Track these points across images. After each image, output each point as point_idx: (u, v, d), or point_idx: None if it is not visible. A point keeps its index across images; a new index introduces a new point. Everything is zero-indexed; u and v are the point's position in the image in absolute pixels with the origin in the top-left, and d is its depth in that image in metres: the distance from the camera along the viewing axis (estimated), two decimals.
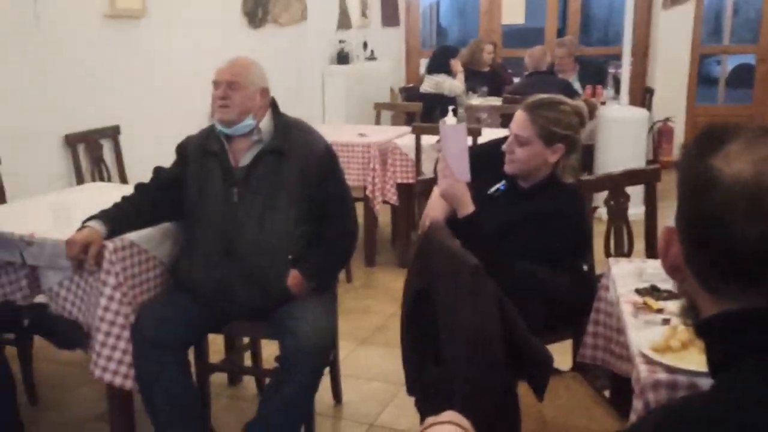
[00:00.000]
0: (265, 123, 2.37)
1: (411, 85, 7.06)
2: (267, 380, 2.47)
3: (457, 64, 5.77)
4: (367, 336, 3.43)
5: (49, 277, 2.34)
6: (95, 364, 2.23)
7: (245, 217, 2.29)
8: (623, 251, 2.71)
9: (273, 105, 2.43)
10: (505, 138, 2.26)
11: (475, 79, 6.13)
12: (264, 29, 5.43)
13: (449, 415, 0.99)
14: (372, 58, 6.98)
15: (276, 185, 2.30)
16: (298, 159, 2.32)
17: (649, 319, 1.72)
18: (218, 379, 2.85)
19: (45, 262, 2.30)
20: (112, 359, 2.22)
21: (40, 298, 2.42)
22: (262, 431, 2.24)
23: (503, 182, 2.28)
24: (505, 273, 1.87)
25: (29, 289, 2.41)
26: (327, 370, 2.67)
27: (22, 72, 3.53)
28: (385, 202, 4.29)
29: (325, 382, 2.72)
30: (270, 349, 2.27)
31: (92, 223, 2.22)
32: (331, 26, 6.49)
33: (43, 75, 3.63)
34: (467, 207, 2.15)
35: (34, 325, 2.27)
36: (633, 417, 1.52)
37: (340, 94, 6.25)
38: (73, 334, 2.27)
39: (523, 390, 1.72)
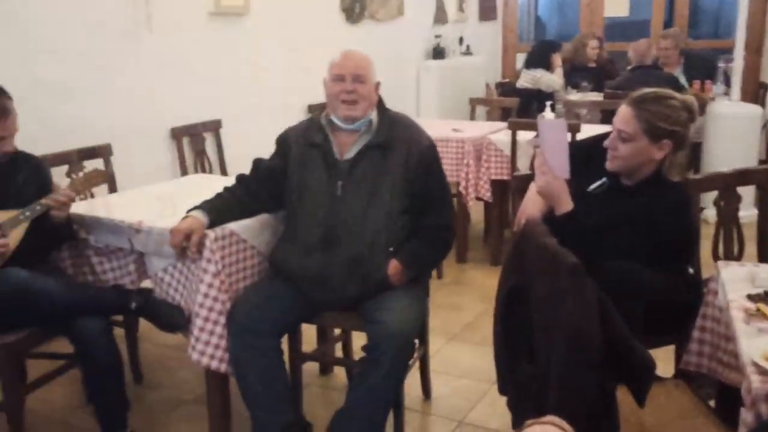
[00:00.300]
0: (372, 117, 2.39)
1: (507, 80, 6.95)
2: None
3: (557, 59, 5.62)
4: (456, 332, 3.40)
5: (155, 264, 2.45)
6: (193, 348, 2.31)
7: (348, 211, 2.31)
8: (733, 255, 2.56)
9: (378, 97, 2.44)
10: (607, 134, 2.18)
11: (579, 75, 5.96)
12: (361, 25, 5.48)
13: (551, 417, 0.97)
14: (468, 52, 6.91)
15: (379, 179, 2.32)
16: (402, 153, 2.33)
17: (762, 327, 1.62)
18: (310, 368, 2.91)
19: (151, 248, 2.41)
20: (209, 344, 2.30)
21: (146, 283, 2.54)
22: (349, 420, 2.25)
23: (605, 179, 2.20)
24: (603, 272, 1.81)
25: (136, 275, 2.54)
26: (417, 365, 2.67)
27: (135, 70, 3.71)
28: (478, 198, 4.24)
29: (415, 376, 2.73)
30: (361, 341, 2.28)
31: (195, 213, 2.30)
32: (427, 21, 6.48)
33: (153, 72, 3.81)
34: (566, 204, 2.09)
35: (140, 308, 2.38)
36: (742, 430, 1.43)
37: (435, 89, 6.23)
38: (175, 318, 2.37)
39: (623, 395, 1.66)
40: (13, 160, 2.42)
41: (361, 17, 5.47)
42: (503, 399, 2.05)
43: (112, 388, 2.37)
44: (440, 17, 6.63)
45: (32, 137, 3.04)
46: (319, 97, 4.81)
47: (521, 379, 1.84)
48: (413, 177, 2.33)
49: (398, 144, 2.35)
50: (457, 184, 4.16)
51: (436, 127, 4.43)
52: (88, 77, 3.47)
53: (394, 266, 2.30)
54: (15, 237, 2.32)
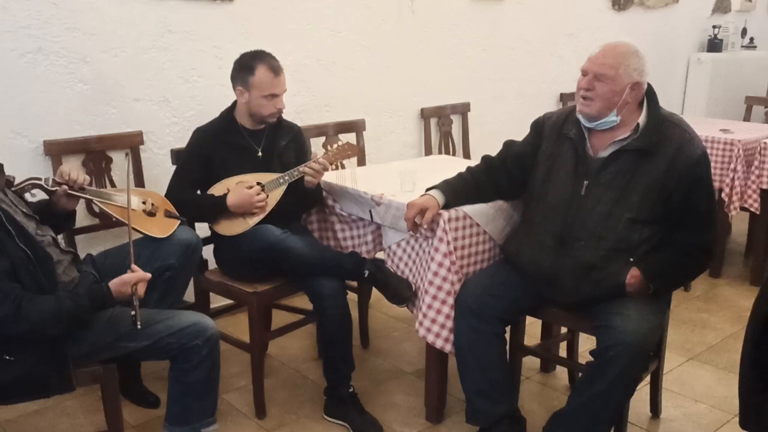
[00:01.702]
0: (636, 117, 2.19)
1: None
2: (580, 375, 2.37)
3: None
4: (698, 353, 3.08)
5: (390, 236, 2.55)
6: (420, 323, 2.37)
7: (589, 212, 2.17)
8: None
9: (650, 97, 2.22)
10: None
11: None
12: (629, 12, 5.15)
13: None
14: (750, 46, 6.18)
15: (632, 183, 2.13)
16: (666, 159, 2.12)
17: None
18: (531, 363, 2.84)
19: (388, 221, 2.50)
20: (435, 322, 2.34)
21: (380, 254, 2.65)
22: (567, 425, 2.15)
23: None
24: None
25: (373, 245, 2.66)
26: (647, 379, 2.47)
27: (395, 53, 3.88)
28: (743, 209, 3.79)
29: (644, 392, 2.53)
30: (588, 345, 2.16)
31: (432, 192, 2.34)
32: (705, 10, 5.90)
33: (411, 53, 3.94)
34: None
35: (373, 276, 2.48)
36: None
37: (706, 85, 5.67)
38: (403, 291, 2.44)
39: None
40: (278, 126, 2.66)
41: (630, 4, 5.13)
42: None
43: (340, 347, 2.52)
44: (722, 6, 5.99)
45: (299, 109, 3.34)
46: (573, 86, 4.63)
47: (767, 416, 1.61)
48: (674, 187, 2.11)
49: (663, 149, 2.13)
50: (720, 190, 3.75)
51: (702, 125, 4.04)
52: (352, 56, 3.70)
53: (633, 276, 2.12)
54: (274, 197, 2.56)
